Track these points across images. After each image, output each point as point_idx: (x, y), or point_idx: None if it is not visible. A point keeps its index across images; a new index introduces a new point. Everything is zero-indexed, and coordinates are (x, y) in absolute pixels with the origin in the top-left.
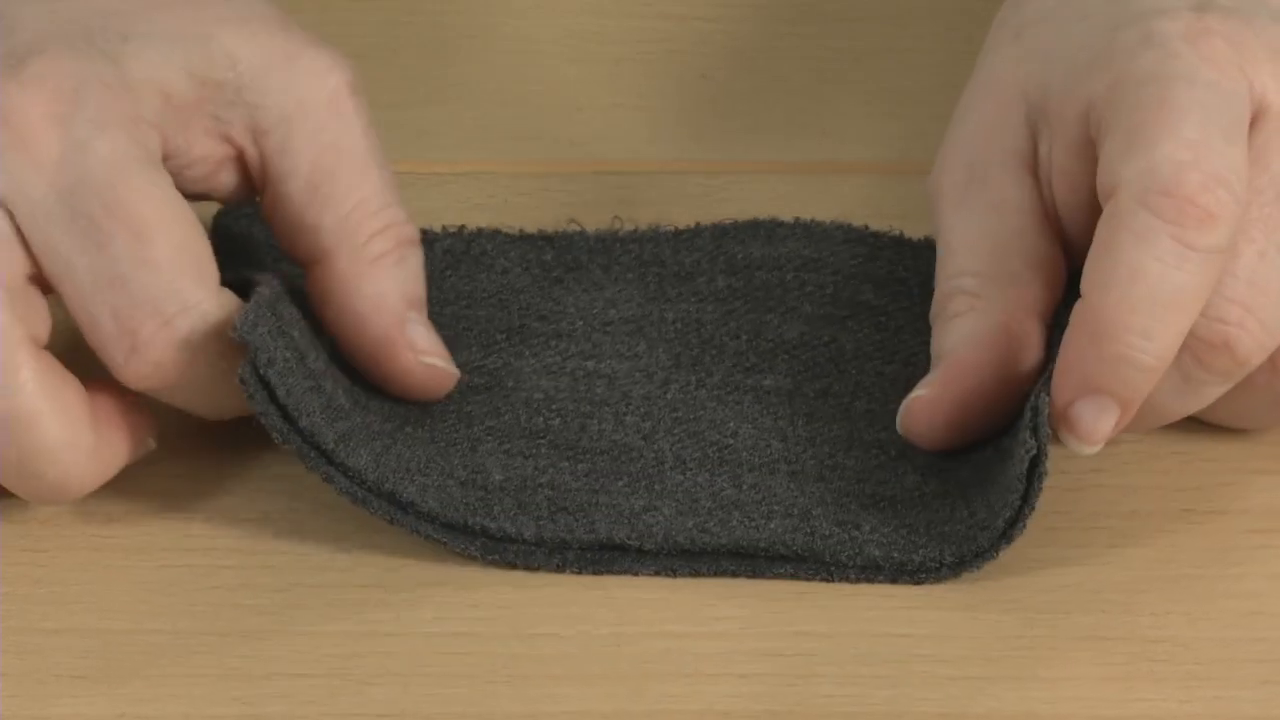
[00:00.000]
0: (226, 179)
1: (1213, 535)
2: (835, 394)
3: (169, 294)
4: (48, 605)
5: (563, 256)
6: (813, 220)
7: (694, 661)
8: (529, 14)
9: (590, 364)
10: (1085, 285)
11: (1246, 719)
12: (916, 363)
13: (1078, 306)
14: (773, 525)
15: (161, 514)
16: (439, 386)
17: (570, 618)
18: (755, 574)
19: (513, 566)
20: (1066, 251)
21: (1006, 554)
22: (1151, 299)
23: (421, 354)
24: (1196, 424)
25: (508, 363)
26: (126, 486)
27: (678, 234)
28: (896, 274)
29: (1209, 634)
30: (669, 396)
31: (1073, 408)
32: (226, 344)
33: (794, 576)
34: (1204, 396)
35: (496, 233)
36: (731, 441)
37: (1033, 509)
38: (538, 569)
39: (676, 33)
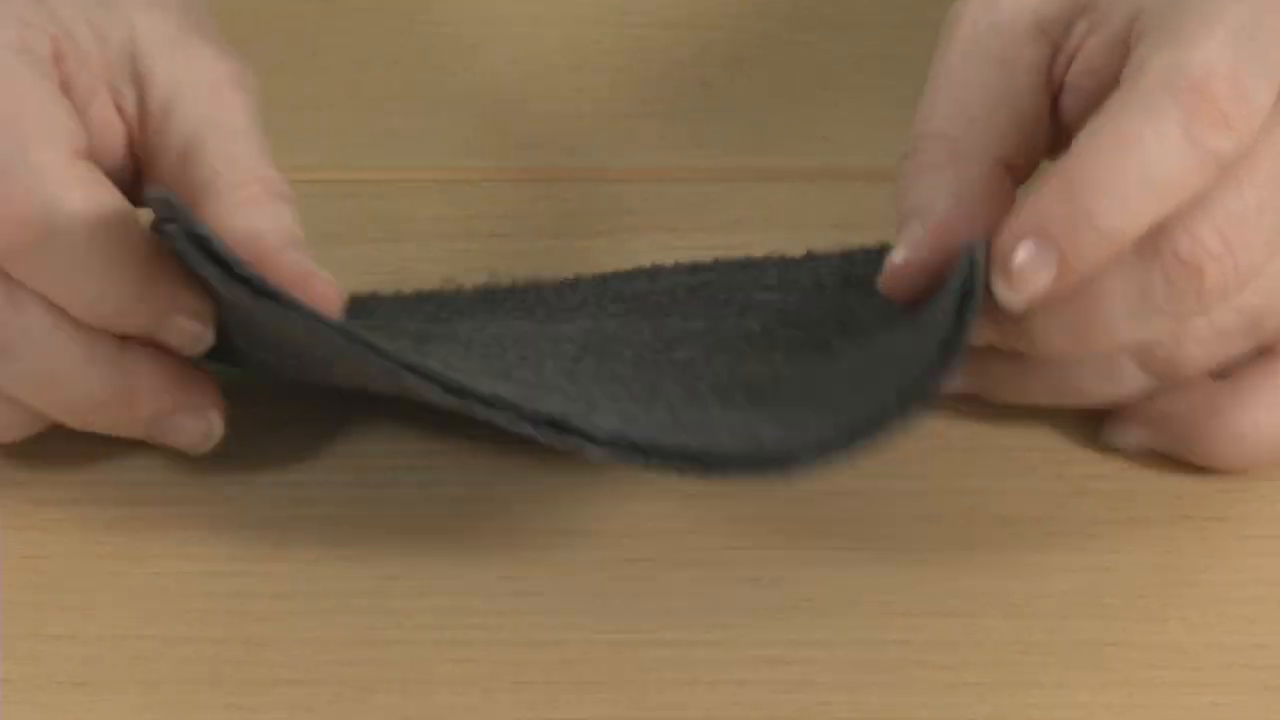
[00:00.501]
0: (125, 159)
1: (1212, 541)
2: (756, 344)
3: (10, 151)
4: (48, 611)
5: (446, 306)
6: (693, 260)
7: (693, 669)
8: (530, 22)
9: (497, 354)
10: (1078, 139)
11: None
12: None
13: (1061, 158)
14: (732, 415)
15: (161, 520)
16: (327, 298)
17: (571, 625)
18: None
19: (472, 418)
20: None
21: (1004, 559)
22: (1139, 171)
23: (307, 271)
24: None
25: (431, 350)
26: (126, 493)
27: (559, 284)
28: (786, 278)
29: (1208, 640)
30: (579, 368)
31: (1015, 249)
32: (86, 235)
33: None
34: (1150, 326)
35: (373, 295)
36: (664, 388)
37: (965, 326)
38: (493, 422)
39: (677, 40)
